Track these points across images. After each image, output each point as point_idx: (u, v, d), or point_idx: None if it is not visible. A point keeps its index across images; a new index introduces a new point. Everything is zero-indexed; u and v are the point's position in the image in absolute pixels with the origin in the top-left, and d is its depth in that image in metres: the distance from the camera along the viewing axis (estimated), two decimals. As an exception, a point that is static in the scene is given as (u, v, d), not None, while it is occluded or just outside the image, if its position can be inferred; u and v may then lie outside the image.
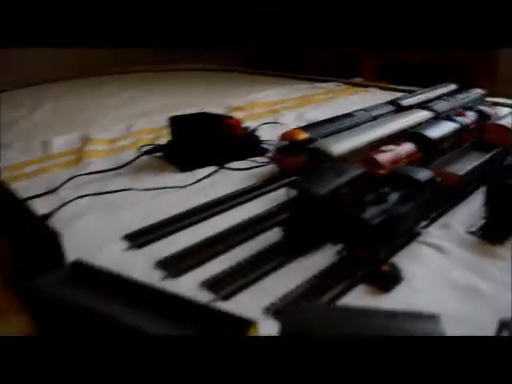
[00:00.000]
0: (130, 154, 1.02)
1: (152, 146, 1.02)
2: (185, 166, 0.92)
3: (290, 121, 1.29)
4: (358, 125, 0.95)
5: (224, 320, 0.40)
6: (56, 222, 0.70)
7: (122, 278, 0.47)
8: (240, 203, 0.78)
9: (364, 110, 1.03)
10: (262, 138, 1.03)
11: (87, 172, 0.91)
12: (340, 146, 0.80)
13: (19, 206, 0.64)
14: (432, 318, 0.38)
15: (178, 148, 0.95)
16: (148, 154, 0.98)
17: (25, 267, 0.49)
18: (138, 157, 0.96)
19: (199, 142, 0.92)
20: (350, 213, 0.57)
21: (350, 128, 0.92)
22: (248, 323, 0.39)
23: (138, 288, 0.46)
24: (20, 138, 1.22)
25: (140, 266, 0.60)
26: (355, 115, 0.99)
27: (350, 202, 0.63)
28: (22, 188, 0.87)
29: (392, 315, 0.38)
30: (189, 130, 0.91)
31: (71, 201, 0.78)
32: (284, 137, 0.86)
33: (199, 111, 1.02)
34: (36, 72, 2.16)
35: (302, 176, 0.64)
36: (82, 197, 0.80)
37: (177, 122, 0.96)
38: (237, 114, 1.34)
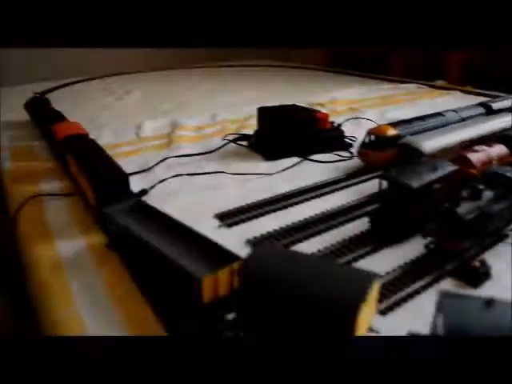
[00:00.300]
0: (215, 141, 1.07)
1: (238, 135, 1.06)
2: (270, 155, 0.95)
3: (372, 119, 1.28)
4: (447, 124, 0.94)
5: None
6: (153, 197, 0.76)
7: (168, 219, 0.59)
8: (325, 193, 0.80)
9: (453, 110, 1.01)
10: (345, 134, 1.04)
11: (178, 155, 0.96)
12: (431, 143, 0.79)
13: (102, 154, 0.78)
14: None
15: (265, 138, 0.98)
16: (234, 142, 1.02)
17: (102, 199, 0.63)
18: (225, 144, 1.00)
19: (286, 132, 0.94)
20: (445, 207, 0.58)
21: (438, 127, 0.92)
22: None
23: (182, 229, 0.56)
24: (112, 121, 1.31)
25: (230, 244, 0.63)
26: (444, 115, 0.97)
27: (441, 197, 0.63)
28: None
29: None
30: (277, 121, 0.94)
31: (166, 179, 0.83)
32: (372, 132, 0.87)
33: (310, 105, 1.04)
34: (125, 62, 2.29)
35: (394, 169, 0.65)
36: (176, 176, 0.85)
37: (265, 113, 0.99)
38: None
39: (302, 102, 1.48)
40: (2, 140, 1.16)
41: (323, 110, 1.36)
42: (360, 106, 1.45)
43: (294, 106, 1.02)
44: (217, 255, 0.50)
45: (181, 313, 0.47)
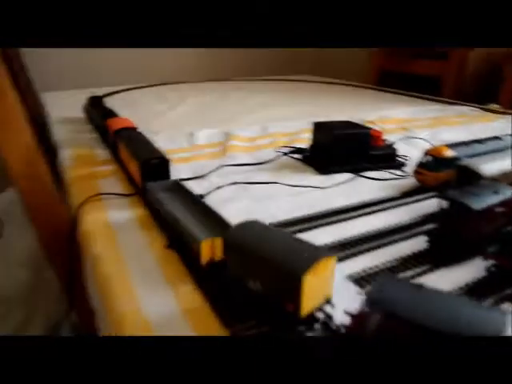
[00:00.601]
0: (268, 153, 1.09)
1: (292, 148, 1.07)
2: (323, 169, 0.96)
3: (423, 140, 1.28)
4: (505, 148, 0.93)
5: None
6: (209, 202, 0.78)
7: (195, 197, 0.71)
8: (380, 210, 0.80)
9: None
10: (398, 152, 1.04)
11: (233, 164, 0.99)
12: (490, 166, 0.79)
13: (148, 143, 0.91)
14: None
15: (319, 152, 0.99)
16: (287, 155, 1.04)
17: (145, 177, 0.77)
18: (278, 156, 1.02)
19: (340, 147, 0.95)
20: (506, 230, 0.57)
21: (497, 151, 0.90)
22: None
23: (204, 207, 0.68)
24: (166, 128, 1.35)
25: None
26: (503, 139, 0.96)
27: (502, 221, 0.62)
28: (173, 171, 0.97)
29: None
30: (332, 136, 0.95)
31: (223, 186, 0.86)
32: (430, 152, 0.86)
33: (361, 121, 1.04)
34: (179, 71, 2.37)
35: (453, 190, 0.64)
36: (233, 184, 0.87)
37: (320, 128, 1.00)
38: (368, 128, 1.37)
39: (352, 118, 1.49)
40: (60, 133, 1.29)
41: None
42: (411, 126, 1.44)
43: (348, 122, 1.02)
44: (222, 229, 0.61)
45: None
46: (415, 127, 1.43)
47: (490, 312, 0.38)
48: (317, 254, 0.46)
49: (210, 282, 0.55)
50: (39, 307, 1.51)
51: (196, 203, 0.71)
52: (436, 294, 0.40)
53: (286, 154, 1.04)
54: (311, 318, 0.47)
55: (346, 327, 0.43)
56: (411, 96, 2.05)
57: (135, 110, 1.64)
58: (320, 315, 0.48)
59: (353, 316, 0.41)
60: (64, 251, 0.78)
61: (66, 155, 1.05)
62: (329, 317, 0.48)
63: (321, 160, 0.98)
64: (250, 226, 0.52)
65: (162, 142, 1.18)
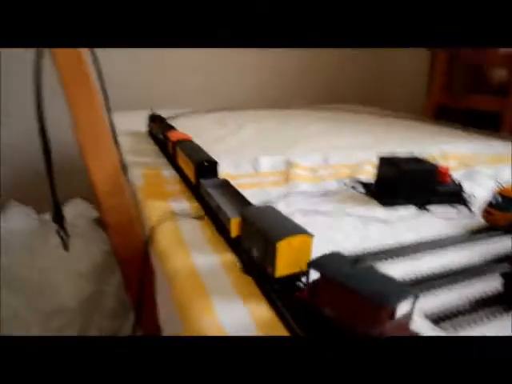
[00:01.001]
0: (331, 184, 1.11)
1: (358, 181, 1.09)
2: (388, 202, 0.96)
3: (487, 177, 1.26)
4: None
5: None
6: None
7: (237, 193, 0.86)
8: (449, 248, 0.79)
9: None
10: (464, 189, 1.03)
11: (298, 192, 1.01)
12: None
13: (201, 149, 1.11)
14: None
15: (384, 185, 1.00)
16: (353, 188, 1.05)
17: (199, 175, 0.95)
18: (343, 188, 1.03)
19: (407, 182, 0.96)
20: None
21: None
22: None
23: (243, 199, 0.83)
24: (228, 153, 1.39)
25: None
26: None
27: None
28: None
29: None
30: (398, 170, 0.96)
31: (292, 214, 0.88)
32: (499, 192, 0.86)
33: (410, 156, 1.05)
34: (237, 98, 2.44)
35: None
36: (301, 211, 0.89)
37: (387, 162, 1.01)
38: (429, 162, 1.36)
39: (414, 152, 1.49)
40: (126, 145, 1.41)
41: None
42: (473, 162, 1.42)
43: (414, 157, 1.03)
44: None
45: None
46: (477, 163, 1.41)
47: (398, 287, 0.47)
48: (295, 230, 0.62)
49: (281, 298, 0.60)
50: (94, 321, 1.56)
51: (236, 195, 0.85)
52: (368, 269, 0.51)
53: (351, 186, 1.05)
54: (284, 280, 0.61)
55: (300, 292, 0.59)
56: (469, 131, 2.02)
57: (195, 133, 1.70)
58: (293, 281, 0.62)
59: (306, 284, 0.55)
60: (138, 268, 0.82)
61: (136, 174, 1.11)
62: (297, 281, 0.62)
63: (386, 193, 0.98)
64: (259, 208, 0.73)
65: (225, 166, 1.22)
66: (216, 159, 1.23)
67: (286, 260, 0.60)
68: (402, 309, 0.46)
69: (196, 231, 0.81)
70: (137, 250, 0.81)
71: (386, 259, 0.74)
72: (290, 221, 0.65)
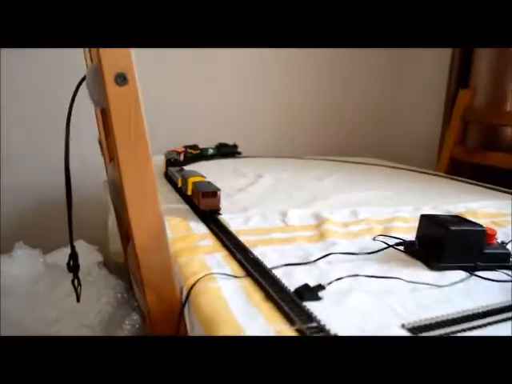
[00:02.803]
0: (367, 241, 1.05)
1: (395, 238, 1.04)
2: (435, 264, 0.91)
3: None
4: None
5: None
6: (326, 293, 0.75)
7: None
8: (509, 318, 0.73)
9: None
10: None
11: (341, 252, 0.95)
12: None
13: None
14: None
15: (428, 246, 0.95)
16: (392, 247, 1.00)
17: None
18: (385, 248, 0.98)
19: (455, 244, 0.90)
20: None
21: None
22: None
23: None
24: (251, 204, 1.35)
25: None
26: None
27: None
28: (275, 252, 0.94)
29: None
30: (444, 231, 0.91)
31: (343, 278, 0.82)
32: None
33: (449, 213, 1.01)
34: (253, 145, 2.43)
35: None
36: (352, 276, 0.83)
37: (429, 221, 0.96)
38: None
39: (437, 209, 1.45)
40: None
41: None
42: (503, 222, 1.38)
43: (458, 217, 0.99)
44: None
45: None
46: (507, 223, 1.37)
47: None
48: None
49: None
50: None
51: None
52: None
53: (392, 246, 1.00)
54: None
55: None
56: (488, 188, 2.00)
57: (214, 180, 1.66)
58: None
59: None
60: (172, 330, 0.75)
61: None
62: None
63: (431, 255, 0.93)
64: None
65: (253, 220, 1.17)
66: (243, 212, 1.19)
67: None
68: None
69: (239, 292, 0.74)
70: (173, 311, 0.74)
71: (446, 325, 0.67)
72: None
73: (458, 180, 2.16)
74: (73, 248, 1.18)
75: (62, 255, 1.84)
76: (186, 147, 2.17)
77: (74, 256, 1.19)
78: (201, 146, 2.31)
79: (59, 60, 2.36)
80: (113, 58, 0.65)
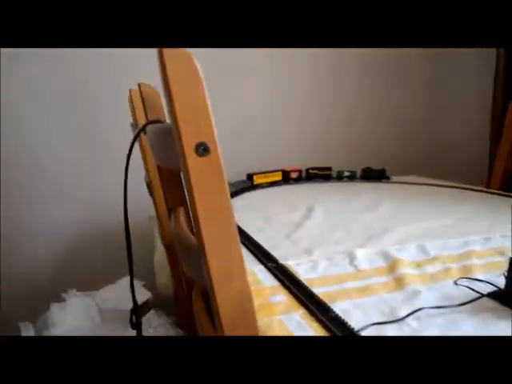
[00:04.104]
0: (449, 286, 0.98)
1: (495, 288, 0.95)
2: (532, 315, 0.83)
3: None
4: None
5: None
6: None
7: None
8: None
9: None
10: None
11: (422, 303, 0.88)
12: None
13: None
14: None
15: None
16: (485, 296, 0.92)
17: None
18: (478, 298, 0.90)
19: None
20: None
21: None
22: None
23: None
24: (314, 245, 1.28)
25: None
26: None
27: None
28: (357, 308, 0.88)
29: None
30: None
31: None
32: None
33: None
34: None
35: None
36: (440, 330, 0.76)
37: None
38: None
39: (506, 236, 1.36)
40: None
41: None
42: None
43: (550, 256, 0.90)
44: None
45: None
46: None
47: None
48: None
49: None
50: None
51: None
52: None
53: (485, 295, 0.92)
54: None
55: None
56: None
57: (267, 217, 1.61)
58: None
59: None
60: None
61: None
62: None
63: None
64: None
65: (321, 265, 1.11)
66: (307, 254, 1.14)
67: None
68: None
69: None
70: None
71: None
72: None
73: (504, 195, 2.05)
74: (135, 303, 1.14)
75: (114, 296, 1.81)
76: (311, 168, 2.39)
77: (136, 310, 1.15)
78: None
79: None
80: (193, 125, 0.61)
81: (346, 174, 2.33)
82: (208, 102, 0.60)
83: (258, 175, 2.38)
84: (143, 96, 1.07)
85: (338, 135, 2.80)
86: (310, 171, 2.44)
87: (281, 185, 2.41)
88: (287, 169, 2.45)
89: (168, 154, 0.74)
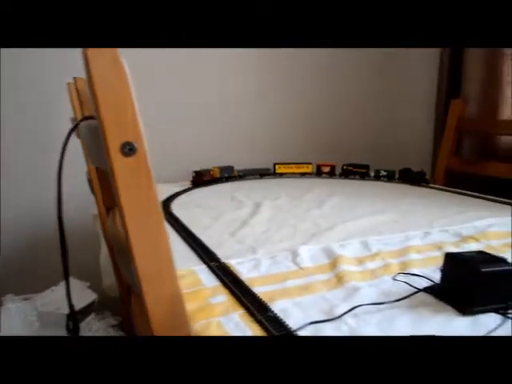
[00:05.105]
0: (387, 282, 0.99)
1: (419, 277, 0.98)
2: (466, 309, 0.85)
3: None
4: None
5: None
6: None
7: None
8: None
9: None
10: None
11: (361, 300, 0.89)
12: None
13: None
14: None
15: (457, 288, 0.89)
16: (421, 291, 0.93)
17: None
18: (414, 293, 0.92)
19: (487, 286, 0.85)
20: None
21: None
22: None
23: None
24: (260, 242, 1.27)
25: None
26: None
27: None
28: (297, 307, 0.87)
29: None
30: (477, 273, 0.85)
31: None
32: None
33: (476, 250, 0.96)
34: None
35: None
36: (378, 328, 0.77)
37: (456, 260, 0.91)
38: (473, 246, 1.27)
39: (449, 232, 1.40)
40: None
41: (479, 246, 1.27)
42: (515, 242, 1.33)
43: (483, 252, 0.93)
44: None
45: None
46: (520, 243, 1.32)
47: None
48: None
49: None
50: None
51: None
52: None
53: (422, 290, 0.94)
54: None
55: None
56: (487, 199, 1.96)
57: (214, 214, 1.59)
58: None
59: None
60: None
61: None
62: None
63: (461, 298, 0.87)
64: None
65: (264, 263, 1.10)
66: (252, 252, 1.13)
67: None
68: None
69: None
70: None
71: None
72: None
73: (457, 192, 2.12)
74: (72, 308, 1.10)
75: (54, 299, 1.74)
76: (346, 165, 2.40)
77: (73, 315, 1.11)
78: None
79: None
80: (118, 124, 0.58)
81: (383, 173, 2.29)
82: (135, 101, 0.58)
83: (282, 165, 2.41)
84: (78, 91, 1.03)
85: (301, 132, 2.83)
86: (345, 167, 2.37)
87: (311, 177, 2.45)
88: (319, 163, 2.47)
89: (98, 153, 0.70)
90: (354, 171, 2.40)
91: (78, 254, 2.00)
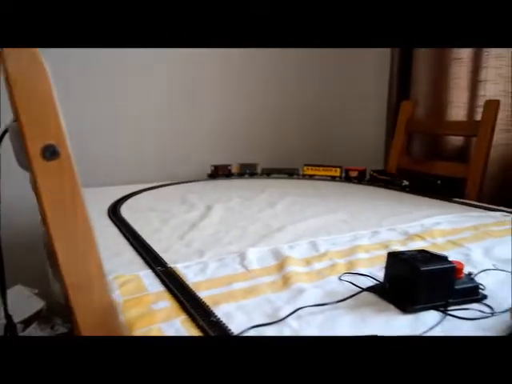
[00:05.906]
0: (333, 282, 1.00)
1: (376, 282, 0.98)
2: (407, 307, 0.86)
3: (481, 258, 1.20)
4: None
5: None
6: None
7: None
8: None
9: None
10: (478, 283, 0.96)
11: (305, 301, 0.89)
12: None
13: None
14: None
15: (398, 287, 0.91)
16: (369, 291, 0.94)
17: None
18: (357, 293, 0.92)
19: (426, 284, 0.87)
20: None
21: None
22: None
23: None
24: (209, 245, 1.26)
25: None
26: None
27: None
28: (240, 311, 0.86)
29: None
30: (416, 272, 0.86)
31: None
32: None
33: (418, 249, 0.97)
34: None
35: None
36: (319, 329, 0.76)
37: (397, 260, 0.92)
38: (418, 244, 1.29)
39: (396, 231, 1.43)
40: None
41: (425, 244, 1.30)
42: (460, 240, 1.37)
43: (424, 251, 0.95)
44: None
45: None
46: (464, 241, 1.36)
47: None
48: None
49: None
50: None
51: None
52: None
53: (366, 290, 0.94)
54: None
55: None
56: (435, 198, 2.02)
57: (164, 217, 1.56)
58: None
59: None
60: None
61: (114, 285, 0.94)
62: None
63: (402, 297, 0.89)
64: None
65: (211, 267, 1.08)
66: (199, 256, 1.12)
67: None
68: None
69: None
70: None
71: None
72: None
73: (406, 191, 2.17)
74: (9, 318, 1.05)
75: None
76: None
77: (12, 328, 1.06)
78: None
79: None
80: (38, 125, 0.55)
81: (405, 183, 2.20)
82: (56, 102, 0.55)
83: (310, 167, 2.47)
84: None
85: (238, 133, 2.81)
86: (372, 173, 2.32)
87: (339, 181, 2.46)
88: (348, 167, 2.46)
89: (22, 157, 0.67)
90: (380, 178, 2.33)
91: (27, 258, 1.93)
